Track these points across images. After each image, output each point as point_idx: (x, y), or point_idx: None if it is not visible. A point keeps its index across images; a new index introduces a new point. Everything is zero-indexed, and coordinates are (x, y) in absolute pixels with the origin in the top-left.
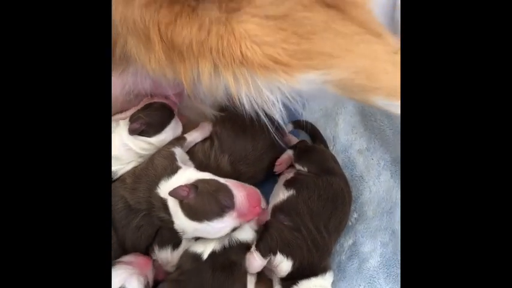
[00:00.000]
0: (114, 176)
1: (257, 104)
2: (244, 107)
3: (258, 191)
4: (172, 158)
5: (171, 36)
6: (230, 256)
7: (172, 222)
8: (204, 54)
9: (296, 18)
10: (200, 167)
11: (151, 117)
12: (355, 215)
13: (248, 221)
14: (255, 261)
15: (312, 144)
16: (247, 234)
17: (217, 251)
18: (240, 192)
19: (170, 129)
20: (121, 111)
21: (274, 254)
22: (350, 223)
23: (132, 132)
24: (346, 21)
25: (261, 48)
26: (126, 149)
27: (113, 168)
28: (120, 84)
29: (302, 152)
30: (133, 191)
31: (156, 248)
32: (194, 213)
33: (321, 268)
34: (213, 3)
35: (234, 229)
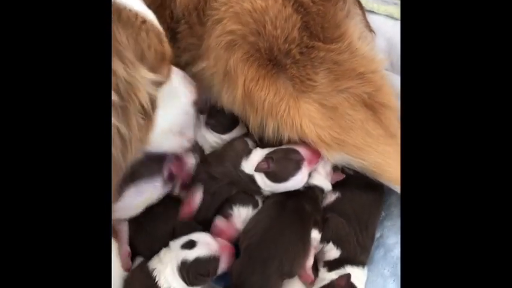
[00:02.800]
0: None
1: None
2: None
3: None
4: (246, 142)
5: (252, 90)
6: (303, 203)
7: (258, 192)
8: (272, 114)
9: (342, 113)
10: None
11: (225, 118)
12: (383, 214)
13: (316, 164)
14: (315, 235)
15: None
16: (318, 180)
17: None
18: (300, 147)
19: (237, 130)
20: None
21: (328, 242)
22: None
23: (207, 125)
24: (375, 124)
25: (315, 127)
26: (202, 140)
27: None
28: None
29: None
30: (217, 167)
31: (236, 205)
32: (279, 176)
33: (360, 261)
34: (290, 80)
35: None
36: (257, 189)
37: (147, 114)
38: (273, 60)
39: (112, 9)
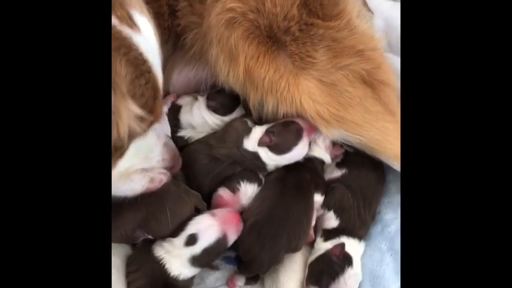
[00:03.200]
0: (189, 141)
1: None
2: None
3: None
4: (245, 122)
5: (252, 67)
6: (303, 174)
7: (263, 169)
8: (272, 91)
9: (340, 90)
10: None
11: (225, 99)
12: None
13: (315, 134)
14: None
15: None
16: (318, 153)
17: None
18: (297, 119)
19: (238, 111)
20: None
21: (329, 210)
22: None
23: (209, 107)
24: (374, 101)
25: (314, 104)
26: (202, 121)
27: (188, 135)
28: (189, 73)
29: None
30: (220, 149)
31: (244, 181)
32: (282, 148)
33: (358, 234)
34: (290, 57)
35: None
36: (262, 165)
37: (120, 146)
38: (272, 38)
39: (124, 43)
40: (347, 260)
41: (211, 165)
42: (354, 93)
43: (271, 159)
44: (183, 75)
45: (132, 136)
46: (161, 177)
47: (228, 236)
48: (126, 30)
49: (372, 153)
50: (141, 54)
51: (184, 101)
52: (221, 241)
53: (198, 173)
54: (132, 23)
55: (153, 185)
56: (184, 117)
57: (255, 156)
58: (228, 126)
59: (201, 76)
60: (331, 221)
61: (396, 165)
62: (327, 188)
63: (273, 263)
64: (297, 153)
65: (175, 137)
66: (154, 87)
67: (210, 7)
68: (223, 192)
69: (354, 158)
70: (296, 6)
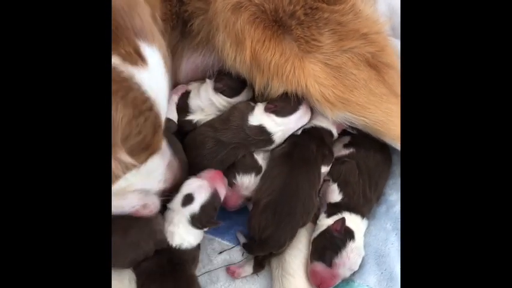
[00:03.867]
0: (197, 125)
1: None
2: None
3: None
4: (249, 103)
5: (258, 51)
6: (309, 144)
7: (269, 141)
8: (277, 75)
9: (345, 72)
10: None
11: (232, 81)
12: None
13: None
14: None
15: None
16: (324, 123)
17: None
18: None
19: (244, 93)
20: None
21: (334, 182)
22: None
23: (216, 89)
24: (379, 83)
25: (319, 87)
26: (210, 103)
27: (196, 118)
28: (196, 60)
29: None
30: (225, 131)
31: (239, 173)
32: (288, 109)
33: (360, 211)
34: (295, 41)
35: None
36: (268, 137)
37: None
38: (278, 22)
39: (123, 85)
40: (348, 234)
41: (216, 149)
42: (358, 75)
43: (278, 125)
44: (190, 62)
45: (129, 169)
46: (153, 207)
47: (219, 190)
48: (128, 69)
49: (377, 135)
50: (142, 93)
51: (192, 86)
52: (215, 195)
53: (203, 157)
54: (137, 59)
55: (144, 211)
56: (193, 101)
57: (261, 129)
58: (232, 108)
59: (208, 62)
60: (334, 194)
61: (396, 144)
62: (337, 160)
63: (291, 239)
64: (301, 115)
65: (182, 121)
66: (154, 123)
67: None
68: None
69: (360, 140)
70: None
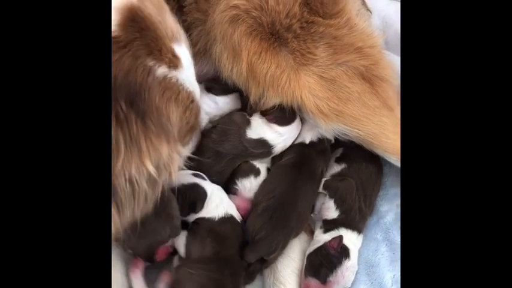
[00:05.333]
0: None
1: None
2: None
3: None
4: (243, 114)
5: (254, 63)
6: (317, 164)
7: (268, 153)
8: (273, 86)
9: (340, 85)
10: None
11: (223, 84)
12: None
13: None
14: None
15: None
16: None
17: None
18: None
19: (233, 98)
20: None
21: (330, 198)
22: None
23: (206, 87)
24: (372, 96)
25: (314, 99)
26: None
27: None
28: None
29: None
30: (222, 142)
31: (238, 179)
32: (287, 118)
33: (357, 227)
34: (291, 53)
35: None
36: (268, 149)
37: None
38: (275, 34)
39: (174, 89)
40: (344, 252)
41: (214, 159)
42: (352, 88)
43: (281, 135)
44: None
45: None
46: None
47: None
48: (173, 73)
49: (369, 147)
50: (186, 90)
51: None
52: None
53: (202, 163)
54: (175, 61)
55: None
56: None
57: (261, 142)
58: (227, 119)
59: (205, 72)
60: (331, 211)
61: (393, 158)
62: (334, 177)
63: (282, 247)
64: (298, 122)
65: None
66: (196, 111)
67: (214, 4)
68: (232, 199)
69: (352, 152)
70: (298, 4)
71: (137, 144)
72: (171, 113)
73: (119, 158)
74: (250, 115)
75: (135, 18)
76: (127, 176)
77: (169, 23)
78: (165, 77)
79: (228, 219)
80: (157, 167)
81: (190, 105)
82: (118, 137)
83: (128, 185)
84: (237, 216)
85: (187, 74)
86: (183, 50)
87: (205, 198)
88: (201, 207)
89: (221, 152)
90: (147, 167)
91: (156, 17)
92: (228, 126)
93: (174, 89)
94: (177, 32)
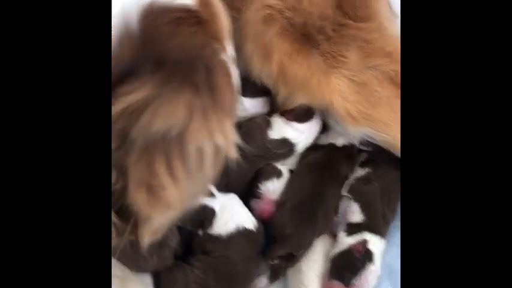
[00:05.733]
0: None
1: None
2: None
3: None
4: (265, 117)
5: (285, 64)
6: (344, 167)
7: (290, 153)
8: (303, 88)
9: (370, 89)
10: None
11: (254, 86)
12: None
13: None
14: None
15: None
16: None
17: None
18: None
19: (260, 102)
20: None
21: (355, 202)
22: None
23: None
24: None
25: (344, 102)
26: None
27: None
28: None
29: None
30: (249, 144)
31: (261, 182)
32: (307, 115)
33: (380, 232)
34: (322, 56)
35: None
36: (290, 147)
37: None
38: (306, 36)
39: (230, 76)
40: (368, 256)
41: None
42: (382, 92)
43: (302, 132)
44: None
45: None
46: None
47: None
48: (223, 56)
49: (396, 151)
50: (229, 70)
51: None
52: None
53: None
54: (225, 47)
55: None
56: None
57: (283, 141)
58: (250, 122)
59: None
60: (355, 214)
61: None
62: (359, 180)
63: (309, 244)
64: (318, 119)
65: None
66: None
67: (248, 2)
68: (255, 203)
69: (377, 157)
70: (331, 6)
71: (208, 115)
72: (228, 94)
73: (192, 125)
74: (270, 116)
75: (209, 2)
76: (197, 145)
77: (225, 18)
78: (226, 63)
79: (239, 233)
80: (222, 142)
81: (231, 81)
82: (195, 104)
83: (196, 154)
84: (252, 224)
85: (235, 71)
86: (231, 47)
87: (212, 217)
88: (210, 224)
89: (245, 152)
90: (216, 139)
91: (220, 7)
92: (251, 130)
93: (230, 77)
94: (230, 29)
